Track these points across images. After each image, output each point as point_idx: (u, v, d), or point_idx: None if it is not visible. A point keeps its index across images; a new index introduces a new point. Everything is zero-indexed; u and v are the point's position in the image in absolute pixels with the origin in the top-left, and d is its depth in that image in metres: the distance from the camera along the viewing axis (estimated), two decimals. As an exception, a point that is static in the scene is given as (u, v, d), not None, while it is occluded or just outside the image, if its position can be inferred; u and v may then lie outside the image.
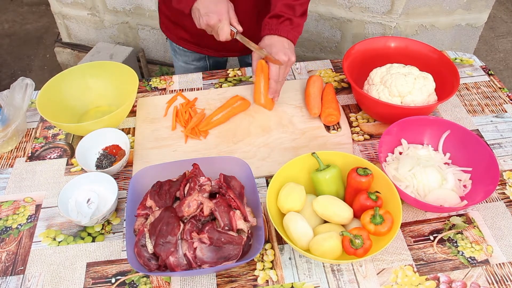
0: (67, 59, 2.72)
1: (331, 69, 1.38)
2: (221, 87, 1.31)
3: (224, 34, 1.04)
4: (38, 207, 1.02)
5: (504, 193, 1.02)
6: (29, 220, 0.99)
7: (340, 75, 1.35)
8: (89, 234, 0.96)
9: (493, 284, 0.86)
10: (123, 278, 0.88)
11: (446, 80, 1.16)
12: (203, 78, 1.35)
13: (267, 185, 1.04)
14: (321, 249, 0.83)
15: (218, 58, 1.49)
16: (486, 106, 1.24)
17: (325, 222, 0.92)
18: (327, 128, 1.18)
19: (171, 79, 1.35)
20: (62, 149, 1.15)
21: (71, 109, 1.21)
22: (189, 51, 1.43)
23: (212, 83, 1.33)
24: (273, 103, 1.21)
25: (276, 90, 1.16)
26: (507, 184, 1.04)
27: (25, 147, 1.16)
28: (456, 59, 1.41)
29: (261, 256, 0.91)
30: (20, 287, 0.87)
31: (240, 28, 1.08)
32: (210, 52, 1.40)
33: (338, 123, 1.18)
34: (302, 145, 1.13)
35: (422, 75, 1.13)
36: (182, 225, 0.86)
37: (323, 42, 2.29)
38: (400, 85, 1.10)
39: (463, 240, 0.93)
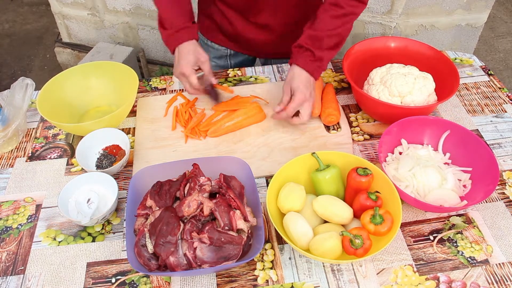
0: (67, 59, 2.72)
1: (331, 69, 1.38)
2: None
3: (191, 82, 1.10)
4: (38, 207, 1.02)
5: (504, 193, 1.02)
6: (29, 220, 0.99)
7: (340, 75, 1.35)
8: (89, 234, 0.96)
9: (492, 284, 0.86)
10: (123, 278, 0.88)
11: (446, 80, 1.16)
12: (203, 78, 1.35)
13: (267, 185, 1.04)
14: (321, 249, 0.83)
15: (240, 59, 1.46)
16: (486, 106, 1.24)
17: (325, 222, 0.92)
18: (327, 128, 1.18)
19: (171, 79, 1.35)
20: (62, 149, 1.15)
21: (71, 109, 1.21)
22: (212, 47, 1.42)
23: (212, 83, 1.33)
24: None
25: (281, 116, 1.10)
26: (506, 184, 1.04)
27: (25, 147, 1.16)
28: (456, 59, 1.41)
29: (261, 256, 0.91)
30: (20, 287, 0.88)
31: (214, 81, 1.14)
32: (231, 45, 1.38)
33: (338, 123, 1.18)
34: (302, 145, 1.13)
35: (422, 75, 1.13)
36: (182, 225, 0.86)
37: (323, 42, 2.29)
38: (400, 85, 1.10)
39: (463, 240, 0.94)
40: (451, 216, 0.98)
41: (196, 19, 1.37)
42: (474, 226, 0.96)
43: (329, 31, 1.06)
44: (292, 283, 0.87)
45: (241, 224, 0.86)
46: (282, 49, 1.29)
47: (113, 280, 0.88)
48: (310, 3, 1.23)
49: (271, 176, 1.04)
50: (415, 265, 0.89)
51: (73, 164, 1.11)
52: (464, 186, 1.00)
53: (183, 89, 1.31)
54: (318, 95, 1.21)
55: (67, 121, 1.17)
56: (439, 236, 0.94)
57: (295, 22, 1.24)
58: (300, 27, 1.11)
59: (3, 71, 2.98)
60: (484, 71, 1.36)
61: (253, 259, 0.90)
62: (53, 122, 1.08)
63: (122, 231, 0.96)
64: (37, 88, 1.20)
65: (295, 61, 1.08)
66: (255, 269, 0.89)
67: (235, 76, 1.36)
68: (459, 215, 0.98)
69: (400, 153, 1.07)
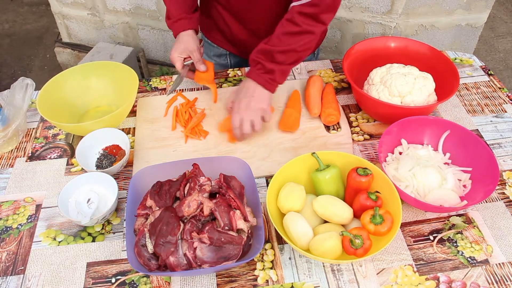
0: (67, 59, 2.72)
1: (331, 69, 1.38)
2: (221, 87, 1.31)
3: (176, 65, 1.19)
4: (38, 207, 1.02)
5: (503, 193, 1.02)
6: (29, 220, 0.99)
7: (340, 75, 1.35)
8: (89, 234, 0.96)
9: (492, 284, 0.86)
10: (123, 278, 0.88)
11: (446, 80, 1.16)
12: (203, 78, 1.35)
13: (267, 185, 1.04)
14: (321, 249, 0.83)
15: (239, 58, 1.46)
16: (486, 106, 1.24)
17: (325, 222, 0.92)
18: (327, 128, 1.18)
19: (171, 79, 1.35)
20: (62, 149, 1.15)
21: (71, 109, 1.21)
22: (212, 45, 1.42)
23: (212, 83, 1.33)
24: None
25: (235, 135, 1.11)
26: (506, 184, 1.04)
27: (25, 147, 1.16)
28: (456, 59, 1.41)
29: (261, 256, 0.91)
30: (21, 287, 0.88)
31: (201, 68, 1.20)
32: (228, 46, 1.39)
33: (338, 123, 1.18)
34: (302, 145, 1.13)
35: (422, 75, 1.13)
36: (182, 225, 0.86)
37: (323, 42, 2.28)
38: (400, 85, 1.10)
39: (462, 240, 0.94)
40: (451, 216, 0.98)
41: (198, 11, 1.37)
42: (474, 226, 0.96)
43: (281, 47, 1.04)
44: (292, 283, 0.87)
45: (241, 224, 0.86)
46: None
47: (113, 280, 0.88)
48: None
49: (271, 176, 1.04)
50: (415, 265, 0.89)
51: (73, 164, 1.11)
52: (464, 186, 1.00)
53: (183, 89, 1.31)
54: (318, 95, 1.21)
55: (67, 121, 1.17)
56: (439, 236, 0.94)
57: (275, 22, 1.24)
58: None
59: (3, 71, 2.98)
60: (484, 71, 1.36)
61: (253, 259, 0.90)
62: (53, 122, 1.08)
63: (122, 231, 0.96)
64: (37, 88, 1.20)
65: (248, 74, 1.09)
66: (255, 269, 0.89)
67: (235, 76, 1.36)
68: (459, 215, 0.98)
69: (400, 153, 1.07)
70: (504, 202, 1.00)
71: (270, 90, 1.09)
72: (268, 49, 1.05)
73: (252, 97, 1.07)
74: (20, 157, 1.13)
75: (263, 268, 0.89)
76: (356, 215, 0.90)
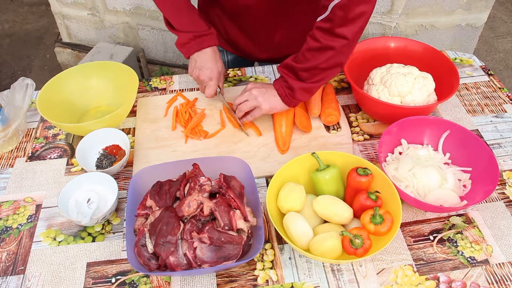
0: (67, 59, 2.72)
1: (331, 69, 1.38)
2: (221, 87, 1.31)
3: (209, 91, 1.17)
4: (38, 207, 1.02)
5: (503, 193, 1.02)
6: (29, 220, 0.99)
7: (340, 75, 1.35)
8: (89, 234, 0.96)
9: (492, 284, 0.86)
10: (123, 278, 0.88)
11: (446, 80, 1.16)
12: (203, 78, 1.35)
13: (267, 185, 1.04)
14: (321, 249, 0.83)
15: (235, 56, 1.45)
16: (485, 106, 1.24)
17: (325, 222, 0.92)
18: (327, 128, 1.18)
19: (171, 79, 1.35)
20: (62, 149, 1.15)
21: (71, 109, 1.21)
22: None
23: (212, 83, 1.32)
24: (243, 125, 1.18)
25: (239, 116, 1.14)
26: (506, 184, 1.04)
27: (25, 147, 1.16)
28: (456, 59, 1.41)
29: (261, 256, 0.91)
30: (21, 287, 0.88)
31: (223, 91, 1.22)
32: (226, 46, 1.38)
33: (338, 123, 1.18)
34: (302, 145, 1.13)
35: (422, 75, 1.13)
36: (182, 225, 0.86)
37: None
38: (400, 85, 1.10)
39: (463, 240, 0.94)
40: (451, 216, 0.98)
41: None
42: (474, 226, 0.96)
43: (304, 64, 1.03)
44: (292, 283, 0.87)
45: (241, 224, 0.86)
46: (273, 55, 1.31)
47: (113, 280, 0.88)
48: (297, 20, 1.20)
49: (271, 176, 1.04)
50: (415, 265, 0.89)
51: (73, 164, 1.11)
52: (464, 186, 1.00)
53: (183, 89, 1.31)
54: (318, 95, 1.21)
55: (67, 121, 1.17)
56: (439, 236, 0.94)
57: (281, 37, 1.24)
58: (288, 41, 1.10)
59: (3, 71, 2.98)
60: (484, 71, 1.36)
61: (253, 259, 0.90)
62: (53, 122, 1.08)
63: (122, 231, 0.96)
64: (37, 88, 1.20)
65: (274, 82, 1.10)
66: (255, 269, 0.89)
67: (235, 76, 1.36)
68: (459, 215, 0.98)
69: (400, 153, 1.07)
70: (504, 202, 1.00)
71: (288, 104, 1.09)
72: (291, 66, 1.05)
73: (264, 94, 1.09)
74: (20, 157, 1.13)
75: (263, 268, 0.89)
76: (356, 215, 0.90)
